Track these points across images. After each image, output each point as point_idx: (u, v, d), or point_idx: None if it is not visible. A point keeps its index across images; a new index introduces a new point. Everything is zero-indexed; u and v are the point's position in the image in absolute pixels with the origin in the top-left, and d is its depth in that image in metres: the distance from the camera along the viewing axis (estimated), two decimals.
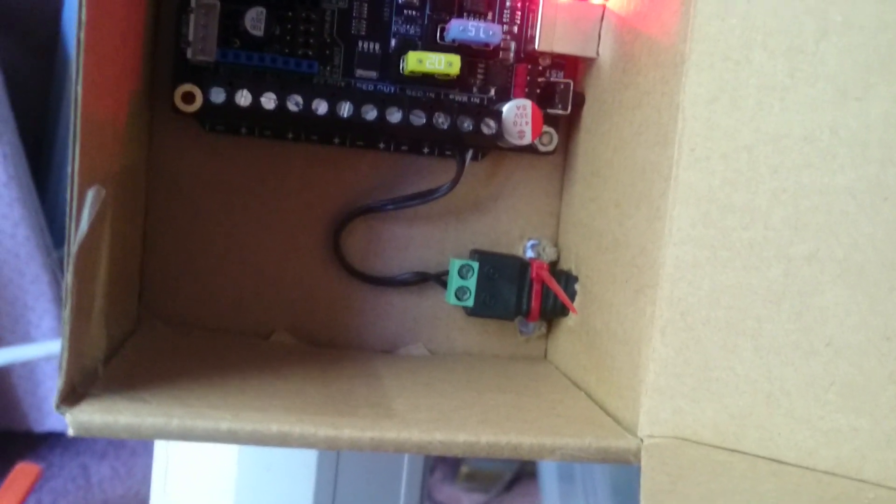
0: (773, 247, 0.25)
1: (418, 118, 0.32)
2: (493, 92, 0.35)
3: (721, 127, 0.25)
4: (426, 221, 0.36)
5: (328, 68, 0.33)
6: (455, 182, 0.34)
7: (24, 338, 0.75)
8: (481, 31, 0.32)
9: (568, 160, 0.36)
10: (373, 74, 0.34)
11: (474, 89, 0.34)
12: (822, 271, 0.24)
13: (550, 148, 0.35)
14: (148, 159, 0.33)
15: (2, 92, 0.72)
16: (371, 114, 0.31)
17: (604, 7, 0.33)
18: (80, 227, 0.23)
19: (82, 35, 0.22)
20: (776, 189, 0.25)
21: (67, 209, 0.22)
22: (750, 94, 0.25)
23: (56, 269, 0.77)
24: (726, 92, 0.25)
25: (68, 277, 0.22)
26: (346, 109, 0.31)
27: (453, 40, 0.33)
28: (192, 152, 0.34)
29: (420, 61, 0.31)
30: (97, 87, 0.24)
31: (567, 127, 0.36)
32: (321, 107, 0.31)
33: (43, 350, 0.74)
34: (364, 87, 0.34)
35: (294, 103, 0.31)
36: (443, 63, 0.32)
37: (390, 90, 0.34)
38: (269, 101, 0.30)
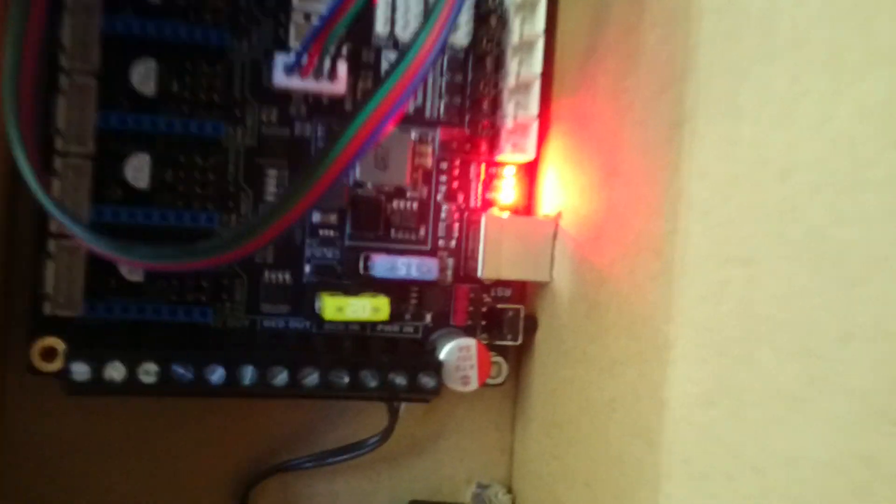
0: None
1: (340, 379, 0.26)
2: (428, 319, 0.29)
3: (723, 441, 0.20)
4: (353, 472, 0.30)
5: (228, 305, 0.27)
6: (387, 434, 0.28)
7: None
8: (413, 268, 0.26)
9: (520, 390, 0.31)
10: (283, 309, 0.28)
11: (407, 316, 0.29)
12: None
13: (500, 380, 0.30)
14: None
15: None
16: (280, 378, 0.25)
17: (556, 224, 0.28)
18: None
19: None
20: None
21: None
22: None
23: None
24: (727, 396, 0.20)
25: None
26: (248, 376, 0.25)
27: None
28: (54, 411, 0.27)
29: (340, 309, 0.26)
30: None
31: (517, 353, 0.30)
32: (216, 374, 0.25)
33: None
34: (272, 324, 0.28)
35: (181, 372, 0.24)
36: (367, 310, 0.26)
37: (304, 326, 0.28)
38: (148, 374, 0.24)
